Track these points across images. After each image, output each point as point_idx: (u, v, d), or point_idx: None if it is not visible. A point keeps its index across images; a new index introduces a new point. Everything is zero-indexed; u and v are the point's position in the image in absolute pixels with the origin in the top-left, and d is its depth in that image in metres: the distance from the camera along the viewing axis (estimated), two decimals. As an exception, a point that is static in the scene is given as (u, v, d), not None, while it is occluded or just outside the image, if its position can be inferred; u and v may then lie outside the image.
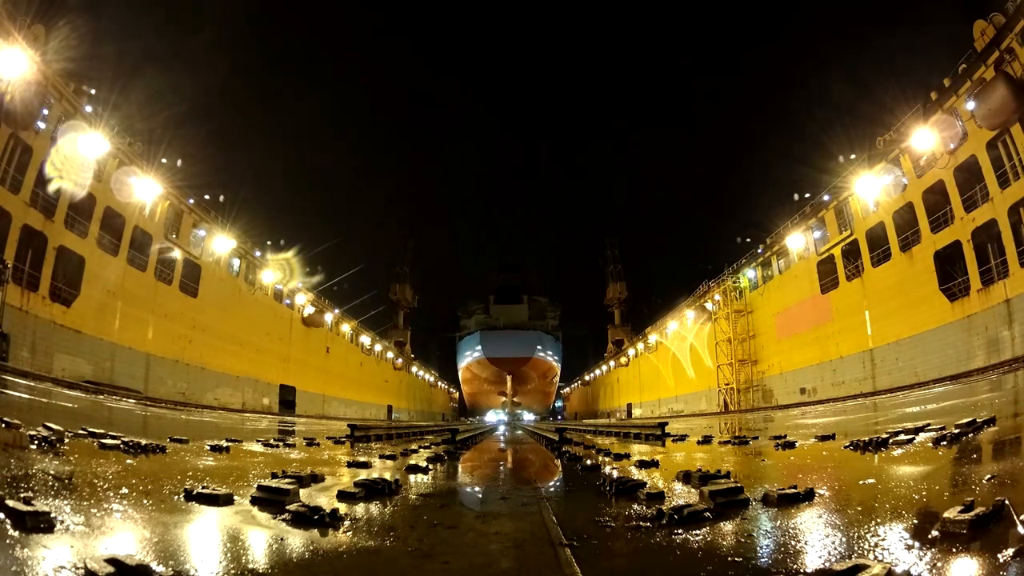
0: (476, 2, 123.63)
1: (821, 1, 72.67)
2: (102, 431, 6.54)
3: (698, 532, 2.89)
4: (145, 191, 23.79)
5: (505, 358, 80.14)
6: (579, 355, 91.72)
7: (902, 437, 5.58)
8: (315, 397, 41.74)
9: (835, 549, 2.42)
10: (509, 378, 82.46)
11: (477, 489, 5.76)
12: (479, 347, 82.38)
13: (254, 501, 3.57)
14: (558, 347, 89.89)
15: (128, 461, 4.99)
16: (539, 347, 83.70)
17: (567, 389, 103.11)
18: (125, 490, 3.59)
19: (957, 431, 5.26)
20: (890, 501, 3.19)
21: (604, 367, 73.89)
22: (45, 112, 19.19)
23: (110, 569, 1.95)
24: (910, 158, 21.52)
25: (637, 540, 2.88)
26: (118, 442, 5.79)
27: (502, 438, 19.21)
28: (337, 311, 47.15)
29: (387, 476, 5.00)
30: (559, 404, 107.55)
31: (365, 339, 54.92)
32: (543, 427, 24.26)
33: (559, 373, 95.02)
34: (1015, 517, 2.24)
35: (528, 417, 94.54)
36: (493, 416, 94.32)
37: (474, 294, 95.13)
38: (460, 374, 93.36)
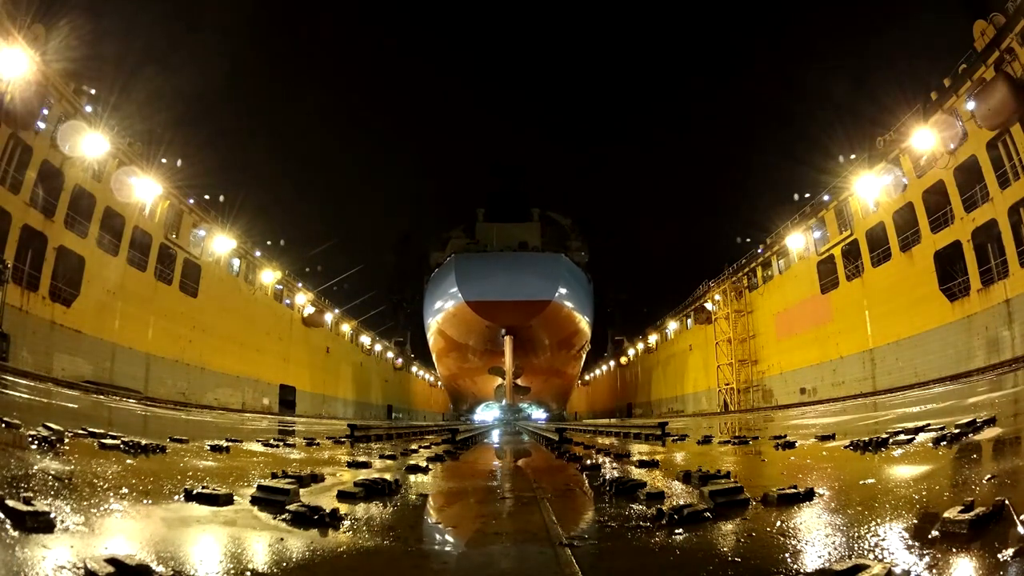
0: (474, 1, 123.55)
1: (821, 1, 72.67)
2: (102, 431, 6.53)
3: (698, 532, 2.89)
4: (145, 191, 23.79)
5: (500, 302, 40.92)
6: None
7: (902, 437, 5.58)
8: (315, 397, 41.75)
9: (835, 549, 2.42)
10: (508, 340, 42.34)
11: (477, 488, 5.76)
12: (454, 287, 42.41)
13: (254, 501, 3.57)
14: (589, 293, 49.24)
15: (128, 461, 4.99)
16: (562, 286, 42.81)
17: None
18: (125, 490, 3.59)
19: (957, 431, 5.26)
20: (890, 501, 3.19)
21: (604, 367, 73.87)
22: (45, 112, 19.19)
23: (110, 569, 1.95)
24: (910, 158, 21.52)
25: (637, 540, 2.88)
26: (118, 442, 5.78)
27: (496, 444, 19.13)
28: (337, 311, 47.18)
29: (387, 476, 4.99)
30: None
31: (365, 339, 54.91)
32: (545, 428, 24.22)
33: (589, 341, 54.52)
34: (1015, 517, 2.24)
35: (538, 415, 68.50)
36: (485, 413, 65.62)
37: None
38: (430, 341, 53.63)
